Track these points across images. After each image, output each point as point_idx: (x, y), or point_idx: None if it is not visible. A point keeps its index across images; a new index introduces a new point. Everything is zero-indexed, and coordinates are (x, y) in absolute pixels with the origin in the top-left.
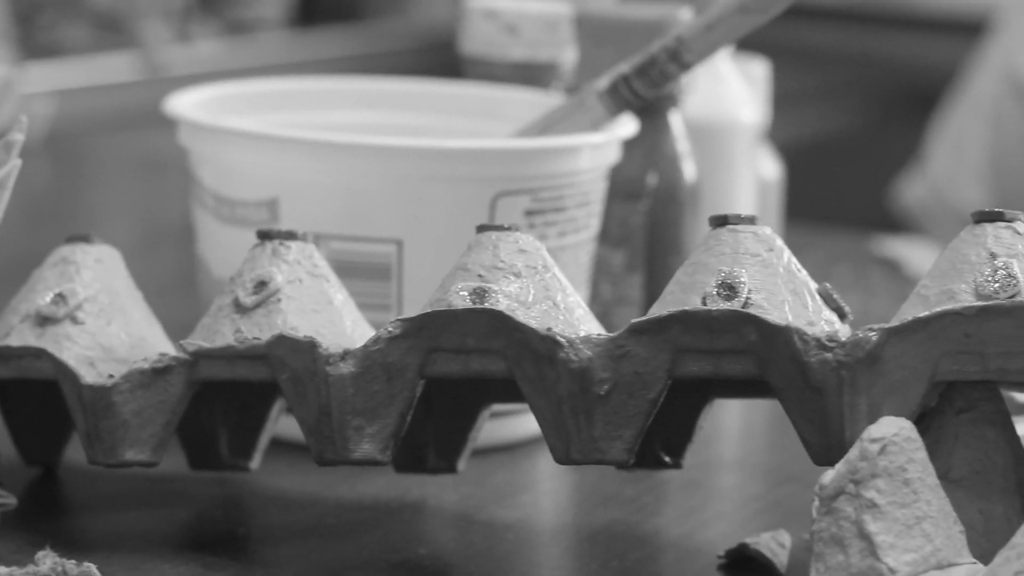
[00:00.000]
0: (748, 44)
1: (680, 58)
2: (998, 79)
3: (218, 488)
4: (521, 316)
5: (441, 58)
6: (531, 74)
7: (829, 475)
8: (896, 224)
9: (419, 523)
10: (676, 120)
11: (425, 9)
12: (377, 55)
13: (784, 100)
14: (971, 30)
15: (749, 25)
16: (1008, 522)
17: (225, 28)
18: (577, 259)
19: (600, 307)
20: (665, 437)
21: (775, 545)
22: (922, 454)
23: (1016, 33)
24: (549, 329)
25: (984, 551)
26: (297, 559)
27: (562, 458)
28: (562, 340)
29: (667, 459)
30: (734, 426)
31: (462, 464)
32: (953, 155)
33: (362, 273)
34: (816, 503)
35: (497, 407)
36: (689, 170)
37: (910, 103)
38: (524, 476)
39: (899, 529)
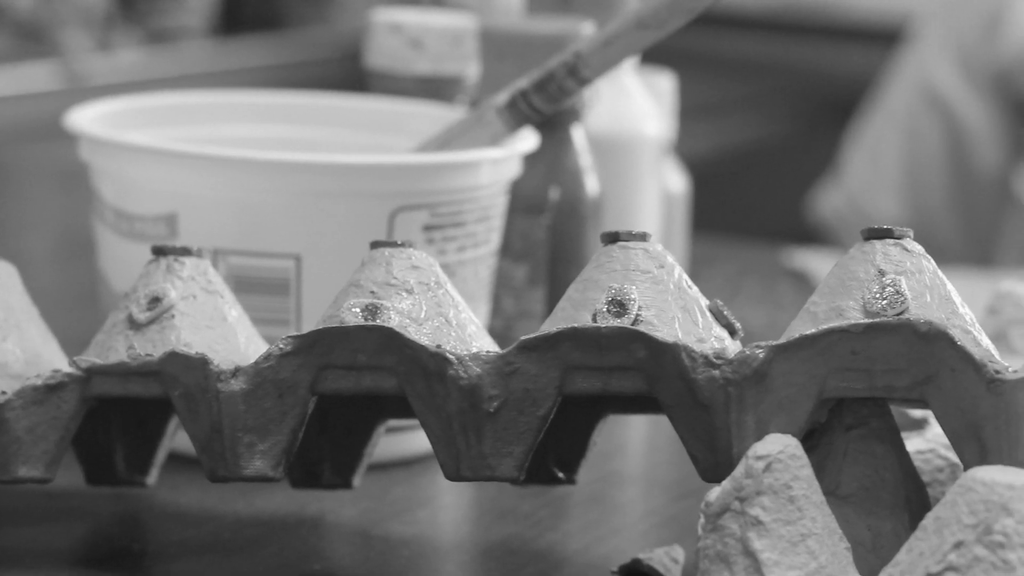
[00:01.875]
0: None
1: (578, 73)
2: (913, 90)
3: (115, 504)
4: (413, 333)
5: (363, 67)
6: (436, 88)
7: (715, 492)
8: (813, 235)
9: (315, 538)
10: (578, 134)
11: (348, 18)
12: (300, 64)
13: (706, 111)
14: (892, 39)
15: (647, 40)
16: (897, 538)
17: (147, 37)
18: (477, 274)
19: (503, 321)
20: (559, 453)
21: (668, 560)
22: (807, 471)
23: (930, 43)
24: (439, 346)
25: (873, 567)
26: (191, 575)
27: (452, 475)
28: (451, 357)
29: (561, 475)
30: (637, 441)
31: (357, 480)
32: (869, 166)
33: (261, 288)
34: (702, 520)
35: (397, 422)
36: (592, 184)
37: (835, 113)
38: (422, 491)
39: (784, 546)
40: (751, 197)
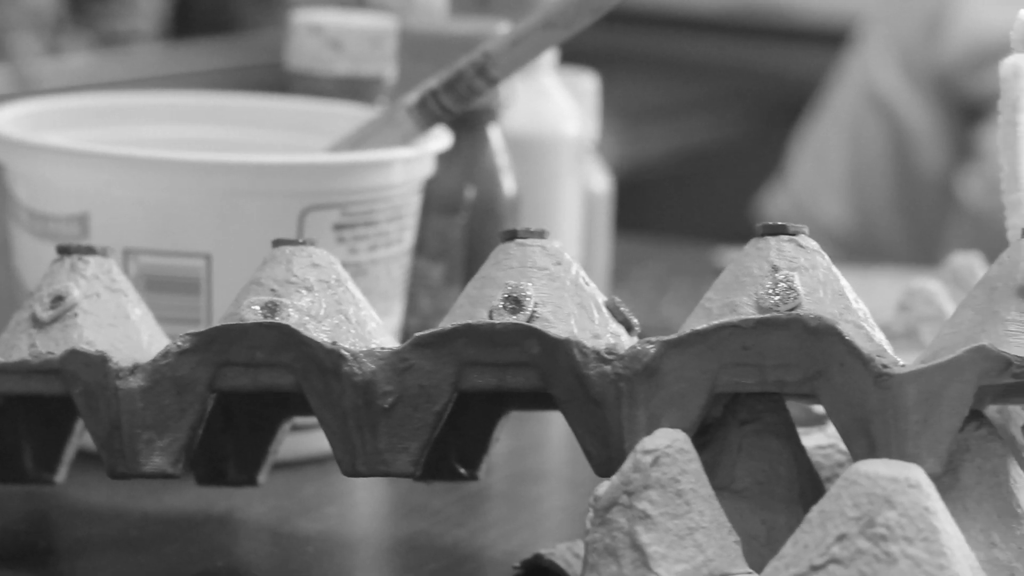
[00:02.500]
0: (624, 57)
1: (487, 73)
2: (857, 92)
3: (23, 502)
4: (312, 330)
5: (284, 69)
6: (356, 89)
7: (603, 487)
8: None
9: (221, 535)
10: (495, 134)
11: None
12: (251, 67)
13: (662, 112)
14: (845, 41)
15: (555, 39)
16: (791, 532)
17: (98, 40)
18: (390, 272)
19: (420, 320)
20: (461, 449)
21: (570, 556)
22: (695, 465)
23: (874, 45)
24: (334, 343)
25: (767, 561)
26: (95, 572)
27: (348, 470)
28: (346, 353)
29: (463, 471)
30: (554, 438)
31: (263, 477)
32: (814, 168)
33: (172, 287)
34: (590, 514)
35: (309, 420)
36: (508, 184)
37: (790, 114)
38: (333, 489)
39: (671, 540)
40: (705, 198)
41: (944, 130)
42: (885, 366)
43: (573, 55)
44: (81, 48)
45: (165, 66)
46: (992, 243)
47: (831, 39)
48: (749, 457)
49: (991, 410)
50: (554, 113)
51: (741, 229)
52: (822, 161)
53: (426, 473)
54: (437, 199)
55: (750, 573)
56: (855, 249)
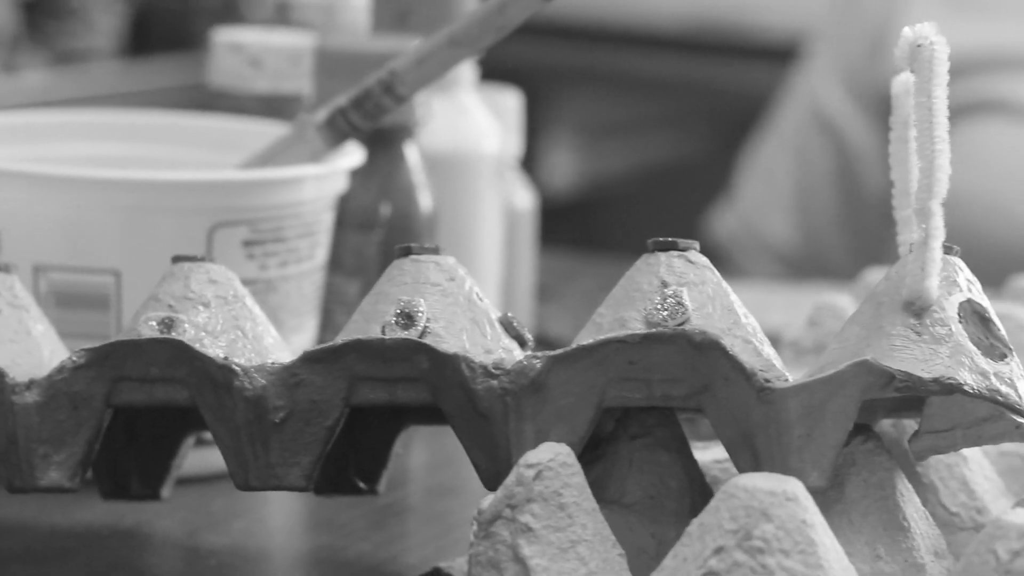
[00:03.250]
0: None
1: (394, 91)
2: (803, 111)
3: None
4: (207, 345)
5: (205, 86)
6: (276, 106)
7: (488, 500)
8: (709, 256)
9: (126, 549)
10: (411, 151)
11: None
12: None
13: (621, 128)
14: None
15: (460, 57)
16: None
17: (54, 58)
18: (301, 289)
19: (336, 335)
20: (360, 463)
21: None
22: (579, 479)
23: (820, 64)
24: (226, 358)
25: None
26: None
27: (241, 484)
28: (237, 368)
29: (362, 485)
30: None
31: (166, 491)
32: (762, 187)
33: (82, 303)
34: (475, 527)
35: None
36: (425, 201)
37: (750, 131)
38: (242, 503)
39: (553, 552)
40: (664, 214)
41: (888, 149)
42: (768, 380)
43: (530, 72)
44: (38, 66)
45: (122, 84)
46: None
47: (791, 56)
48: (640, 471)
49: (885, 424)
50: (473, 130)
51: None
52: (769, 179)
53: (326, 487)
54: (353, 216)
55: None
56: (801, 267)
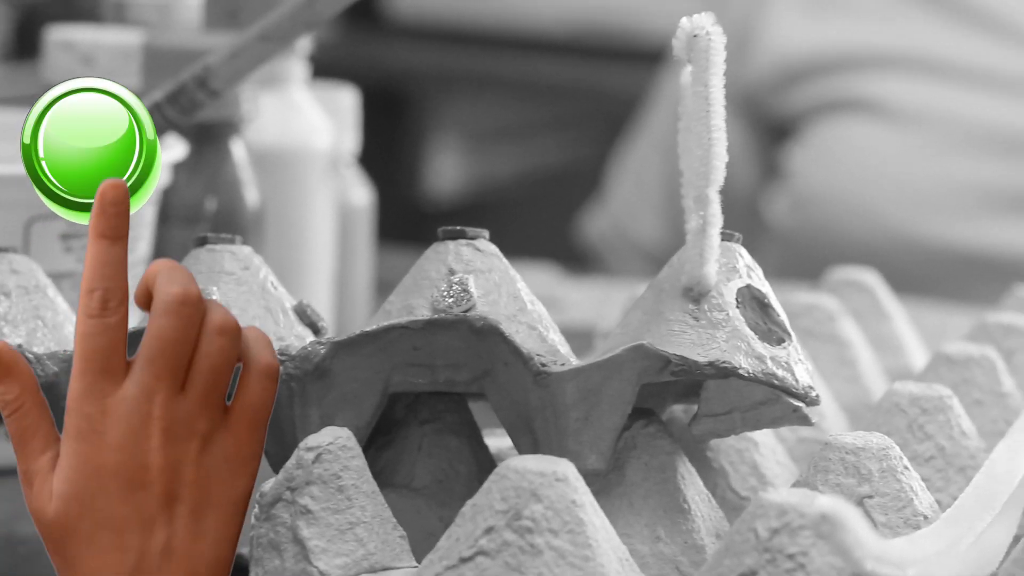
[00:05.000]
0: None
1: (207, 85)
2: (672, 111)
3: None
4: (7, 334)
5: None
6: None
7: (269, 483)
8: (581, 258)
9: None
10: (238, 147)
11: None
12: None
13: (508, 132)
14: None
15: (272, 52)
16: None
17: None
18: None
19: None
20: None
21: None
22: (358, 462)
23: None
24: (20, 346)
25: None
26: None
27: None
28: (30, 356)
29: None
30: None
31: None
32: (634, 188)
33: None
34: (256, 510)
35: None
36: (251, 196)
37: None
38: None
39: (332, 534)
40: (550, 218)
41: (752, 149)
42: (544, 365)
43: (417, 77)
44: None
45: (5, 88)
46: (798, 261)
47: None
48: (429, 456)
49: (677, 410)
50: (304, 126)
51: (574, 250)
52: (639, 180)
53: None
54: (178, 210)
55: (414, 567)
56: None
